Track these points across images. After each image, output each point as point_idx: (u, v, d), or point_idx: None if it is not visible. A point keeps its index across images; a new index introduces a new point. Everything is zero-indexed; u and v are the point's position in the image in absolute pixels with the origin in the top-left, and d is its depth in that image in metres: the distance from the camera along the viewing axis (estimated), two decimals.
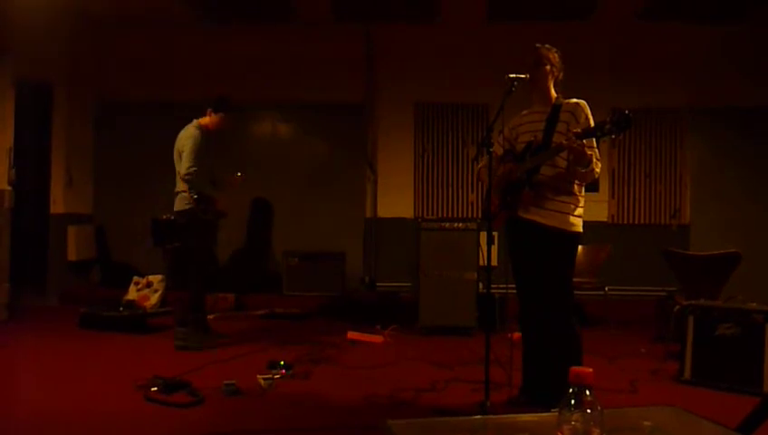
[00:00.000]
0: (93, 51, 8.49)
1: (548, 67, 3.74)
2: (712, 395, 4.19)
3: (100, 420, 3.54)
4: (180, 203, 5.51)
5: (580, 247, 4.18)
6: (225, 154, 8.51)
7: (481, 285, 6.24)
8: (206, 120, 5.66)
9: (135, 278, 6.82)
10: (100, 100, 8.70)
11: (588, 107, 3.67)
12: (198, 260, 5.57)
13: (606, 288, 6.38)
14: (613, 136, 3.29)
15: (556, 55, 3.78)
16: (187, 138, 5.50)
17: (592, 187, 7.23)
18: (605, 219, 8.34)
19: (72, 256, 8.04)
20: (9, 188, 6.67)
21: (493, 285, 3.73)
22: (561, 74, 3.81)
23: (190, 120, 5.66)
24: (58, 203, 8.01)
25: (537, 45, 3.78)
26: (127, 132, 8.54)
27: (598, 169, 3.57)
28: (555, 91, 3.80)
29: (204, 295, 5.72)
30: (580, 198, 3.70)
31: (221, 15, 8.28)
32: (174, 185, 5.56)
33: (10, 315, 6.60)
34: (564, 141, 3.43)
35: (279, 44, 8.50)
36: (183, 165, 5.41)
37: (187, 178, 5.38)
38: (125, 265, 8.33)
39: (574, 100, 3.71)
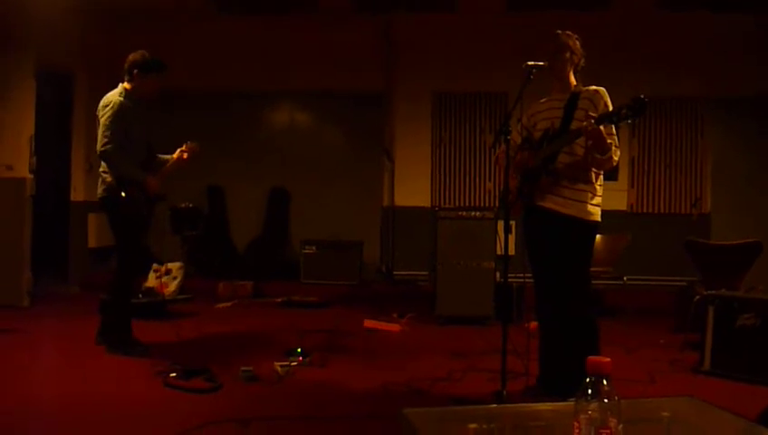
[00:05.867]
0: (114, 40, 8.51)
1: (568, 55, 3.70)
2: (731, 386, 4.15)
3: (120, 405, 3.58)
4: (100, 186, 4.66)
5: (598, 236, 4.15)
6: (242, 142, 8.62)
7: (498, 275, 6.22)
8: (131, 84, 4.69)
9: (154, 266, 6.87)
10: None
11: (607, 94, 3.63)
12: (122, 257, 4.72)
13: (624, 278, 6.33)
14: (629, 121, 3.26)
15: (577, 42, 3.74)
16: (104, 106, 4.60)
17: (611, 175, 7.17)
18: (624, 208, 8.28)
19: (92, 242, 8.13)
20: (30, 175, 6.75)
21: (510, 275, 3.72)
22: (582, 61, 3.76)
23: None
24: (79, 190, 8.10)
25: (558, 32, 3.73)
26: (147, 120, 8.60)
27: (616, 157, 3.54)
28: (575, 78, 3.77)
29: (127, 296, 4.79)
30: (597, 186, 3.66)
31: (240, 6, 8.29)
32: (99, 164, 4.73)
33: (32, 302, 6.69)
34: (584, 123, 3.39)
35: (298, 34, 8.48)
36: (98, 139, 4.54)
37: (102, 154, 4.53)
38: (144, 253, 8.42)
39: (593, 87, 3.68)
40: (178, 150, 4.89)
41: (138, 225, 4.71)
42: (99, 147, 4.53)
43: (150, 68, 4.69)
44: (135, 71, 4.66)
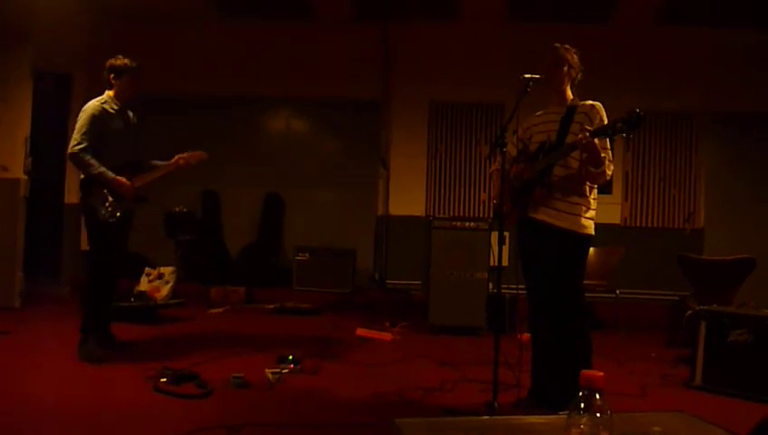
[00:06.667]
0: (112, 43, 8.51)
1: (565, 69, 3.72)
2: (722, 402, 4.16)
3: (109, 409, 3.56)
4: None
5: (591, 250, 4.16)
6: (238, 147, 8.61)
7: (491, 286, 6.23)
8: (113, 90, 4.72)
9: (147, 269, 6.86)
10: None
11: (603, 109, 3.64)
12: (93, 259, 4.75)
13: (617, 291, 6.34)
14: (624, 135, 3.28)
15: (575, 56, 3.75)
16: (82, 111, 4.62)
17: (605, 189, 7.20)
18: (618, 222, 8.30)
19: (85, 245, 8.09)
20: (25, 176, 6.73)
21: (503, 286, 3.72)
22: (580, 75, 3.78)
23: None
24: (73, 192, 8.06)
25: (556, 45, 3.75)
26: (143, 124, 8.60)
27: (609, 172, 3.55)
28: (572, 92, 3.78)
29: (100, 300, 4.74)
30: (591, 200, 3.67)
31: (239, 11, 8.30)
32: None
33: (23, 303, 6.66)
34: (579, 136, 3.40)
35: (297, 41, 8.51)
36: (70, 142, 4.56)
37: (71, 156, 4.55)
38: (137, 257, 8.39)
39: (590, 101, 3.69)
40: (176, 157, 4.88)
41: (109, 227, 4.62)
42: (68, 149, 4.56)
43: (122, 71, 4.70)
44: (111, 75, 4.71)
